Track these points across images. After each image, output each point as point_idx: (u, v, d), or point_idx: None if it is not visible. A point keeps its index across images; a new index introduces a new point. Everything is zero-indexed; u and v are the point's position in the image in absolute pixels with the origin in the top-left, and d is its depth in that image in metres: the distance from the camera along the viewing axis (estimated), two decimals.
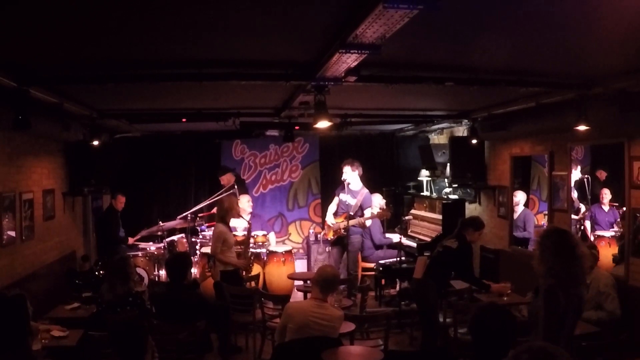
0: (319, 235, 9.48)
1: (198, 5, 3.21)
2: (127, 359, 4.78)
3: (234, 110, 7.38)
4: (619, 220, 7.01)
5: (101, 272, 7.18)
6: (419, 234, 8.92)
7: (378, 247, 8.65)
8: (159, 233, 8.78)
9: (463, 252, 5.99)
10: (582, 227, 7.40)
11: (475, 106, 7.46)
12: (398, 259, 7.70)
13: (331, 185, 9.67)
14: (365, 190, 8.32)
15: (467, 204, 8.76)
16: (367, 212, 8.18)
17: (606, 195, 7.36)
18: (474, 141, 8.05)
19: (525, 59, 4.59)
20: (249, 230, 7.76)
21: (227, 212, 6.75)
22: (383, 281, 8.10)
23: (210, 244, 6.82)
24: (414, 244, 8.51)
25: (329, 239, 8.44)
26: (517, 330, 2.95)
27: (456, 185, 8.78)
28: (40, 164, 6.91)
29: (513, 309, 5.68)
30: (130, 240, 8.74)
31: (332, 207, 8.55)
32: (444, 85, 5.19)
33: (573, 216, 6.96)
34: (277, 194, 10.49)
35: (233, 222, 7.93)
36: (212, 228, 8.18)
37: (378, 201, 8.73)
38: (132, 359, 4.80)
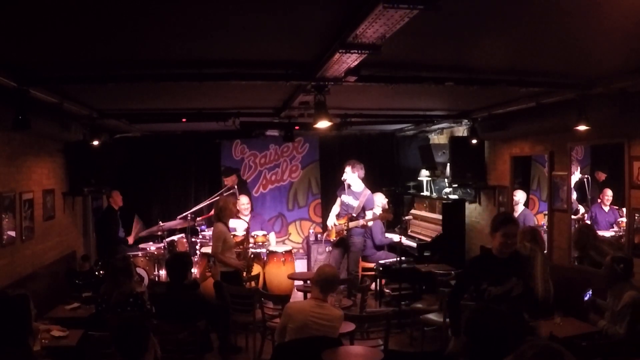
0: (319, 235, 9.49)
1: (198, 5, 3.21)
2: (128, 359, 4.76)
3: (234, 110, 7.38)
4: (619, 220, 7.00)
5: (101, 272, 7.18)
6: (419, 234, 8.91)
7: (379, 247, 8.65)
8: (159, 233, 8.78)
9: None
10: None
11: (475, 106, 7.45)
12: (398, 259, 7.70)
13: (331, 185, 9.68)
14: (368, 192, 8.32)
15: (467, 204, 8.77)
16: (369, 214, 8.17)
17: (609, 198, 7.35)
18: (474, 141, 8.05)
19: (525, 59, 4.59)
20: (247, 230, 7.75)
21: (222, 211, 6.76)
22: (383, 281, 8.10)
23: (211, 244, 6.82)
24: (414, 244, 8.50)
25: (332, 240, 8.44)
26: (517, 331, 2.89)
27: (456, 185, 8.78)
28: (40, 164, 6.90)
29: None
30: (130, 240, 8.73)
31: (334, 209, 8.54)
32: (444, 85, 5.18)
33: (572, 216, 6.95)
34: (277, 194, 10.49)
35: (233, 222, 7.93)
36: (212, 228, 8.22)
37: (380, 200, 8.72)
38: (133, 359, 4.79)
